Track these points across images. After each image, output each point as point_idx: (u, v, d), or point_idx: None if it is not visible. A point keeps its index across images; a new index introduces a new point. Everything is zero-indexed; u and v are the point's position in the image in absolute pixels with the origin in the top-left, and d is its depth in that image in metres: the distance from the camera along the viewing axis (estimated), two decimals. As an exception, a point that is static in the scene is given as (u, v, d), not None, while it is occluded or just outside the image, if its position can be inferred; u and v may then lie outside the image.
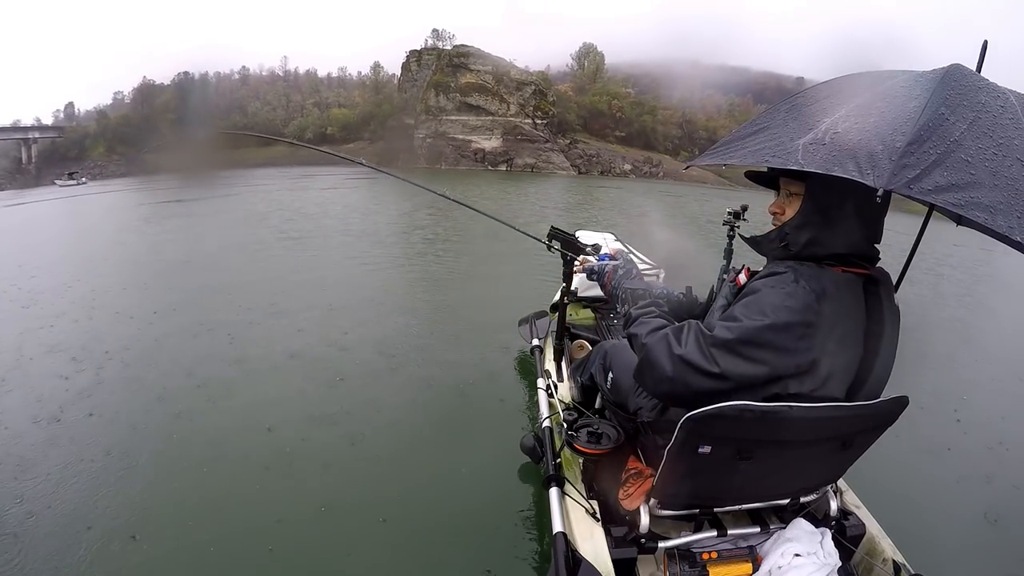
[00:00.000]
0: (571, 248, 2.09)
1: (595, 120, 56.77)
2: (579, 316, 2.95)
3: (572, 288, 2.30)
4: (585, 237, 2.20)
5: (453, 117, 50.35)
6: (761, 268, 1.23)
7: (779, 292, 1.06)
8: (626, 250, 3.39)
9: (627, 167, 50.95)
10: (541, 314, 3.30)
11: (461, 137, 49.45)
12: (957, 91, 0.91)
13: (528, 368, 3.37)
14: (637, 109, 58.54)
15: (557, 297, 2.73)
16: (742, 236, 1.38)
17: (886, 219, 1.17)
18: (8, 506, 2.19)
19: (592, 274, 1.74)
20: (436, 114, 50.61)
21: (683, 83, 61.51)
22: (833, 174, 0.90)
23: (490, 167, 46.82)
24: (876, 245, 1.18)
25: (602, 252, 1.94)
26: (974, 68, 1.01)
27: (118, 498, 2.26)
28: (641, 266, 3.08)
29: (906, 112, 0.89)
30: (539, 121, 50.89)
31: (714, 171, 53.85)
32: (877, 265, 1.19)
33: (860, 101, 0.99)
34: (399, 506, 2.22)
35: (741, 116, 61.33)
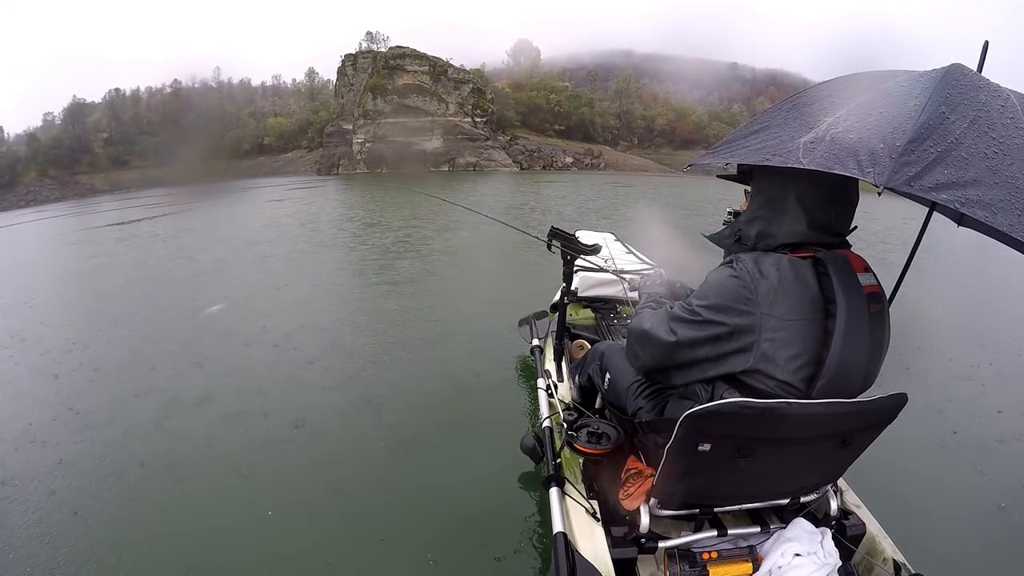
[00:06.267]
0: (571, 248, 2.09)
1: (534, 115, 57.29)
2: (579, 316, 2.95)
3: (572, 288, 2.30)
4: (585, 237, 2.20)
5: (392, 120, 49.47)
6: None
7: (719, 274, 1.19)
8: (626, 249, 3.39)
9: (569, 160, 50.91)
10: (541, 314, 3.30)
11: (401, 139, 48.45)
12: (957, 90, 0.91)
13: (528, 368, 3.37)
14: (575, 102, 59.12)
15: (557, 297, 2.72)
16: (703, 234, 1.42)
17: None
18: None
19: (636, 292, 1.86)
20: (374, 118, 49.75)
21: (619, 74, 62.40)
22: (833, 172, 0.90)
23: (432, 168, 46.25)
24: (839, 233, 1.20)
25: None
26: (975, 68, 1.01)
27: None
28: (641, 266, 3.08)
29: (906, 111, 0.89)
30: (479, 119, 50.43)
31: (655, 160, 54.04)
32: (839, 251, 1.17)
33: (861, 100, 0.99)
34: (399, 506, 2.22)
35: (677, 104, 61.73)
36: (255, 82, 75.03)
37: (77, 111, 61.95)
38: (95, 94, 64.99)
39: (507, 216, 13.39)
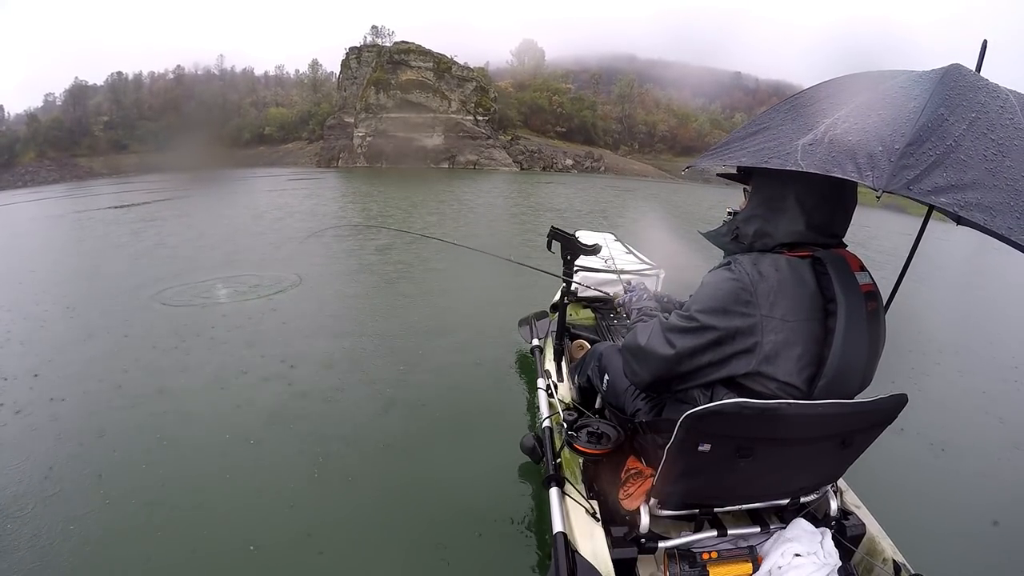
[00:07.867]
0: (571, 248, 2.09)
1: (536, 116, 57.22)
2: (579, 316, 2.95)
3: (572, 288, 2.30)
4: (585, 237, 2.20)
5: (394, 115, 48.60)
6: None
7: (716, 277, 1.18)
8: (626, 249, 3.39)
9: (569, 162, 50.55)
10: (541, 314, 3.30)
11: (402, 135, 47.71)
12: (956, 91, 0.91)
13: (528, 368, 3.37)
14: (577, 104, 59.20)
15: (557, 297, 2.73)
16: (700, 232, 1.40)
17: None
18: None
19: (621, 308, 1.82)
20: (376, 112, 48.90)
21: (623, 78, 62.92)
22: (832, 175, 0.90)
23: (432, 165, 45.86)
24: (836, 234, 1.20)
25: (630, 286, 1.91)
26: (973, 68, 1.01)
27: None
28: (641, 266, 3.09)
29: (905, 112, 0.89)
30: (480, 118, 49.90)
31: (655, 165, 54.07)
32: (834, 250, 1.17)
33: (859, 102, 0.99)
34: (399, 506, 2.22)
35: (679, 111, 62.06)
36: (258, 71, 75.28)
37: (79, 93, 61.52)
38: (97, 77, 65.34)
39: (507, 215, 13.38)
